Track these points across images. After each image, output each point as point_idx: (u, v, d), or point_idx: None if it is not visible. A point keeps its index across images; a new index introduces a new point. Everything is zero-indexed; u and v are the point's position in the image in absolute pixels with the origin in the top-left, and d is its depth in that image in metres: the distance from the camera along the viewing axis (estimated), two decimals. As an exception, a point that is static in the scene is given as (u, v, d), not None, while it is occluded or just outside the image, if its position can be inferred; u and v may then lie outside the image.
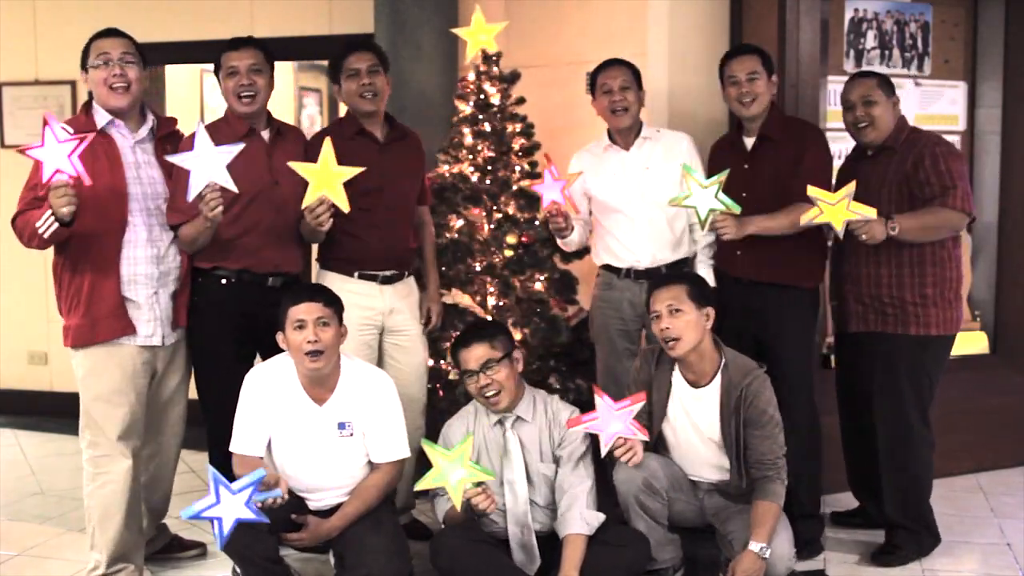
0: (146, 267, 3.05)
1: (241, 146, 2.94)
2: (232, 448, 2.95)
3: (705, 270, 3.46)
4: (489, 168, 3.92)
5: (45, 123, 2.75)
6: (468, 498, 2.76)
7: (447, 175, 3.95)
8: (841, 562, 3.38)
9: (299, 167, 3.02)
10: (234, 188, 2.91)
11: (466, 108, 3.99)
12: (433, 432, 3.21)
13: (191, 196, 2.90)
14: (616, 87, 3.44)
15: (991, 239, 4.55)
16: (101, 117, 3.07)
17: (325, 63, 3.68)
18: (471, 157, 3.94)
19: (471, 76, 3.99)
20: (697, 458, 3.11)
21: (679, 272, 3.41)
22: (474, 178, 3.92)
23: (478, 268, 3.89)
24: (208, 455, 3.23)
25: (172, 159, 2.93)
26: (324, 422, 2.95)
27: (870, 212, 3.01)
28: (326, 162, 2.99)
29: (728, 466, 3.05)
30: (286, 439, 2.95)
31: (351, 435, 2.95)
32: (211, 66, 3.34)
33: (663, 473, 3.04)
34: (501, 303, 3.88)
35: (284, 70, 6.55)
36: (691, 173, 3.14)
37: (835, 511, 3.74)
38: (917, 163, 3.23)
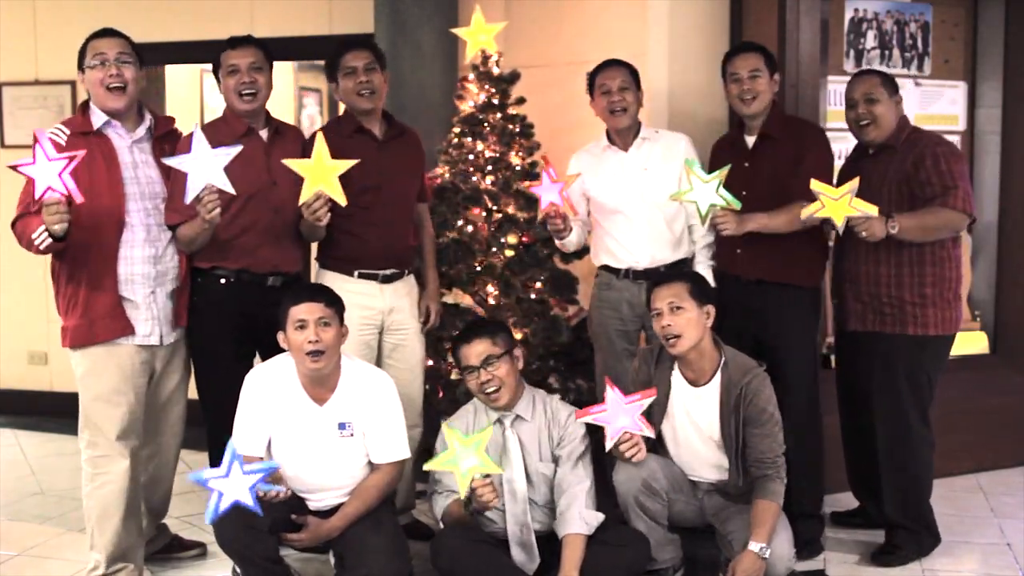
0: (143, 267, 3.05)
1: (239, 148, 2.93)
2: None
3: (704, 270, 3.46)
4: (489, 168, 3.92)
5: (35, 141, 2.73)
6: (474, 487, 2.76)
7: (447, 175, 3.95)
8: (841, 562, 3.38)
9: (293, 163, 3.00)
10: (232, 190, 2.90)
11: (466, 108, 3.99)
12: (432, 432, 3.20)
13: (189, 199, 2.90)
14: (615, 88, 3.43)
15: (991, 239, 4.55)
16: (98, 117, 3.06)
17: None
18: (471, 157, 3.94)
19: (471, 76, 3.99)
20: (696, 457, 3.11)
21: (680, 270, 3.41)
22: (474, 178, 3.92)
23: (478, 268, 3.89)
24: (208, 455, 3.24)
25: (169, 162, 2.92)
26: (324, 422, 2.95)
27: (871, 209, 3.02)
28: (320, 156, 2.97)
29: (727, 465, 3.05)
30: (286, 439, 2.95)
31: (351, 435, 2.95)
32: (211, 66, 3.33)
33: (663, 474, 3.04)
34: (501, 303, 3.87)
35: (284, 70, 6.53)
36: (693, 167, 3.14)
37: (835, 511, 3.74)
38: (918, 163, 3.22)
